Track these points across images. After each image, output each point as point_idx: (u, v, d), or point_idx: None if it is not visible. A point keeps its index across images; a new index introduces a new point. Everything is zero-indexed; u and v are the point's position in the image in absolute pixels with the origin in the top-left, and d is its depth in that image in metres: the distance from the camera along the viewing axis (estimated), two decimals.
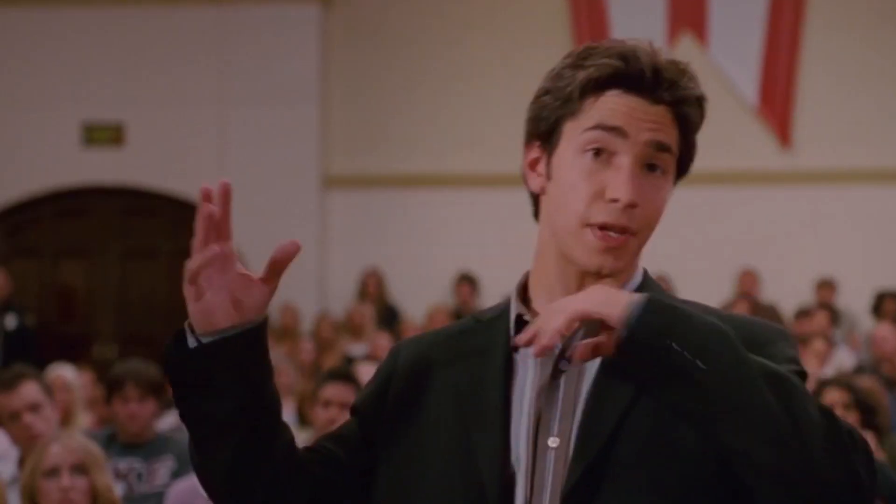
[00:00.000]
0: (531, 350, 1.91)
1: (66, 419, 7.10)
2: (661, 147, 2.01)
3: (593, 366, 2.00)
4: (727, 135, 13.08)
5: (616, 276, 2.03)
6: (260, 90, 13.25)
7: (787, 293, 12.65)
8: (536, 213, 2.14)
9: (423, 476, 2.03)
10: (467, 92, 13.32)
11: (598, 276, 2.02)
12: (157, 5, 13.37)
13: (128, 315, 13.49)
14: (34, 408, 5.56)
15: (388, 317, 12.75)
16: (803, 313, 11.39)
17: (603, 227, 2.00)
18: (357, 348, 11.53)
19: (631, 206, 1.98)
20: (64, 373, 7.91)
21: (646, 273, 2.12)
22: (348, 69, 13.51)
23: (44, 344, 12.64)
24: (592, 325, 1.95)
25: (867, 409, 5.63)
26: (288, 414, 7.68)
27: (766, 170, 13.12)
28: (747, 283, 12.75)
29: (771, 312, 11.75)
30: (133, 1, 13.41)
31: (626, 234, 2.00)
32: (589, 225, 2.00)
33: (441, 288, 13.08)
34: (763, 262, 12.96)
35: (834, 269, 12.90)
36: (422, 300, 12.78)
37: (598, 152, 2.01)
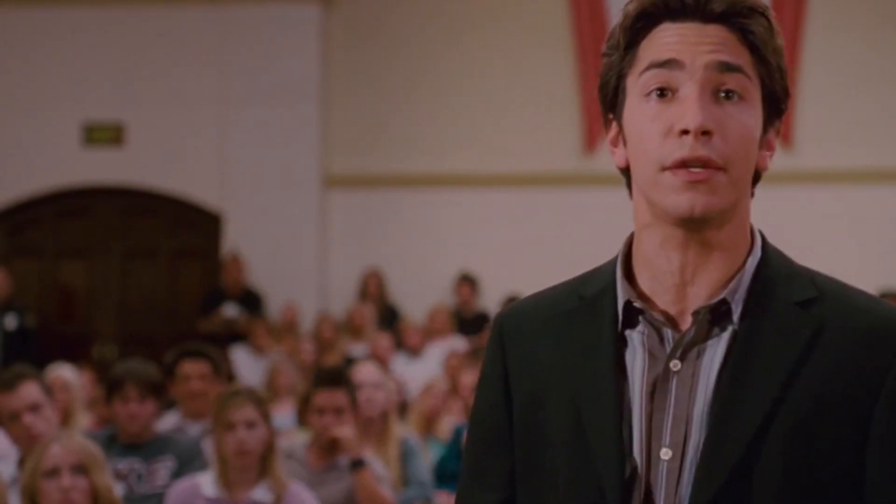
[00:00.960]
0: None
1: (66, 419, 7.09)
2: (728, 67, 1.83)
3: (709, 368, 1.83)
4: None
5: (711, 218, 1.82)
6: (260, 90, 13.25)
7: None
8: (630, 192, 1.92)
9: (548, 484, 1.89)
10: (468, 92, 13.31)
11: (695, 225, 1.82)
12: (158, 5, 13.36)
13: (128, 315, 13.48)
14: (34, 408, 5.56)
15: (389, 317, 12.75)
16: None
17: (681, 165, 1.80)
18: (357, 349, 11.52)
19: (705, 133, 1.80)
20: (64, 373, 7.91)
21: (765, 243, 1.92)
22: (349, 69, 13.50)
23: (44, 344, 12.64)
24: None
25: None
26: (288, 415, 7.69)
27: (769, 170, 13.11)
28: None
29: None
30: (133, 1, 13.40)
31: (709, 167, 1.80)
32: (666, 168, 1.81)
33: (441, 288, 13.07)
34: None
35: (836, 268, 12.88)
36: (422, 300, 12.78)
37: (661, 93, 1.83)
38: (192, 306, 13.14)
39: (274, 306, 12.98)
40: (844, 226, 13.04)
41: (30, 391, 5.59)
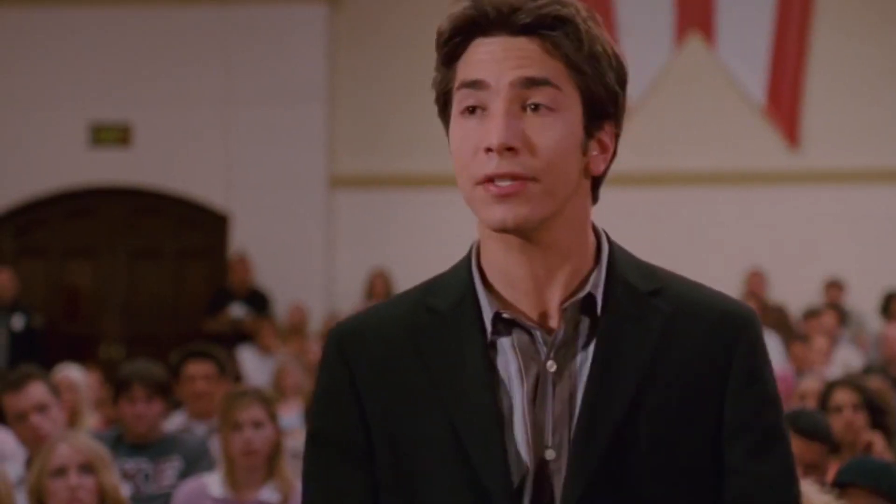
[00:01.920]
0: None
1: (72, 419, 7.09)
2: (532, 82, 1.85)
3: (584, 365, 1.88)
4: (735, 134, 13.07)
5: (527, 228, 1.85)
6: (266, 90, 13.25)
7: (795, 293, 12.63)
8: None
9: (425, 495, 1.89)
10: None
11: (519, 234, 1.86)
12: (164, 6, 13.37)
13: (134, 315, 13.49)
14: (41, 408, 5.56)
15: None
16: (811, 313, 11.37)
17: (490, 180, 1.85)
18: None
19: (508, 149, 1.83)
20: (70, 373, 7.91)
21: (610, 241, 1.96)
22: (354, 69, 13.50)
23: (51, 344, 12.65)
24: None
25: (876, 410, 5.62)
26: (295, 415, 7.69)
27: (773, 169, 13.10)
28: (755, 284, 12.73)
29: (778, 313, 11.73)
30: (140, 1, 13.41)
31: (517, 180, 1.83)
32: (478, 183, 1.86)
33: None
34: (771, 263, 12.95)
35: (842, 269, 12.88)
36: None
37: (472, 110, 1.88)
38: (198, 306, 13.14)
39: (280, 306, 12.98)
40: (853, 226, 13.02)
41: (37, 391, 5.59)
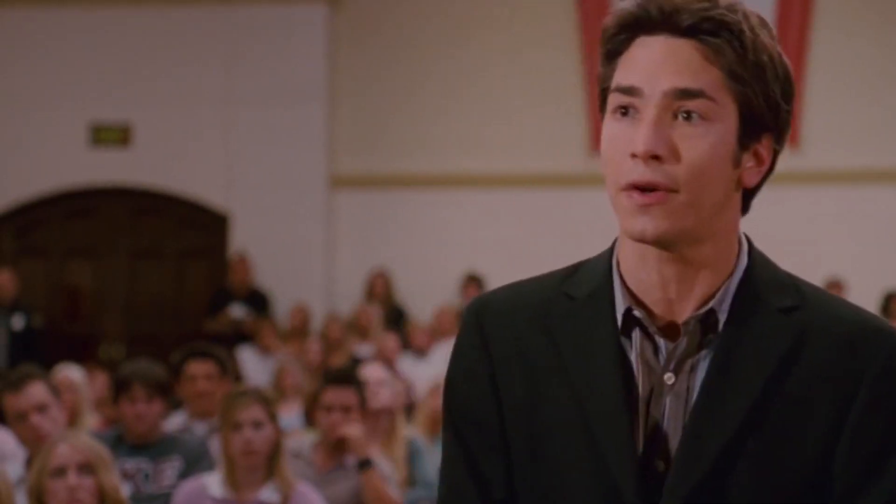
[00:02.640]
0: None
1: (73, 419, 7.09)
2: (686, 94, 1.81)
3: (700, 380, 1.84)
4: None
5: (666, 241, 1.82)
6: (266, 90, 13.25)
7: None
8: None
9: (556, 480, 1.87)
10: (474, 92, 13.31)
11: (658, 246, 1.83)
12: (164, 6, 13.37)
13: (135, 315, 13.49)
14: (41, 408, 5.56)
15: (395, 317, 12.75)
16: None
17: (633, 187, 1.81)
18: (364, 349, 11.53)
19: (653, 157, 1.79)
20: (71, 373, 7.91)
21: (752, 251, 1.91)
22: (355, 69, 13.50)
23: (51, 344, 12.65)
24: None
25: None
26: (295, 415, 7.69)
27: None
28: None
29: None
30: (140, 1, 13.41)
31: (658, 190, 1.80)
32: (622, 188, 1.82)
33: (448, 288, 13.07)
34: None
35: (842, 269, 12.88)
36: (429, 300, 12.78)
37: (624, 111, 1.83)
38: (198, 306, 13.15)
39: (280, 306, 12.98)
40: (852, 226, 13.02)
41: (37, 391, 5.59)
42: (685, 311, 1.86)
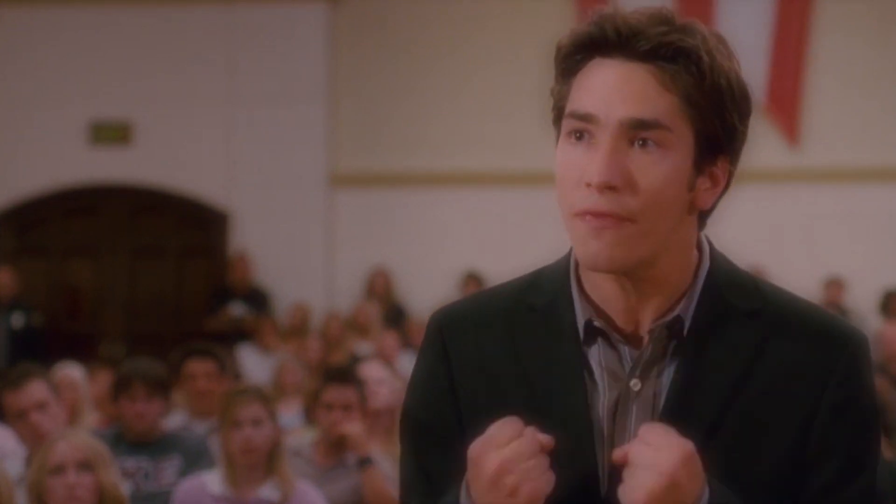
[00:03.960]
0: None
1: (72, 418, 7.09)
2: (641, 124, 1.79)
3: (667, 389, 1.85)
4: None
5: (619, 270, 1.82)
6: (267, 89, 13.25)
7: (794, 292, 12.61)
8: None
9: None
10: (474, 90, 13.30)
11: (610, 273, 1.83)
12: (166, 5, 13.37)
13: (135, 314, 13.49)
14: (41, 406, 5.56)
15: (395, 315, 12.75)
16: None
17: (585, 214, 1.81)
18: (363, 347, 11.52)
19: (608, 187, 1.78)
20: (71, 371, 7.91)
21: (713, 254, 1.92)
22: (355, 68, 13.50)
23: (51, 342, 12.65)
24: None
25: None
26: (295, 414, 7.69)
27: (773, 168, 13.10)
28: None
29: None
30: (141, 0, 13.41)
31: (614, 220, 1.79)
32: (575, 214, 1.81)
33: (448, 286, 13.07)
34: (771, 261, 12.94)
35: (842, 267, 12.88)
36: (429, 299, 12.77)
37: (579, 136, 1.82)
38: (198, 305, 13.15)
39: (280, 305, 12.98)
40: (852, 224, 13.02)
41: (37, 389, 5.59)
42: (647, 319, 1.87)
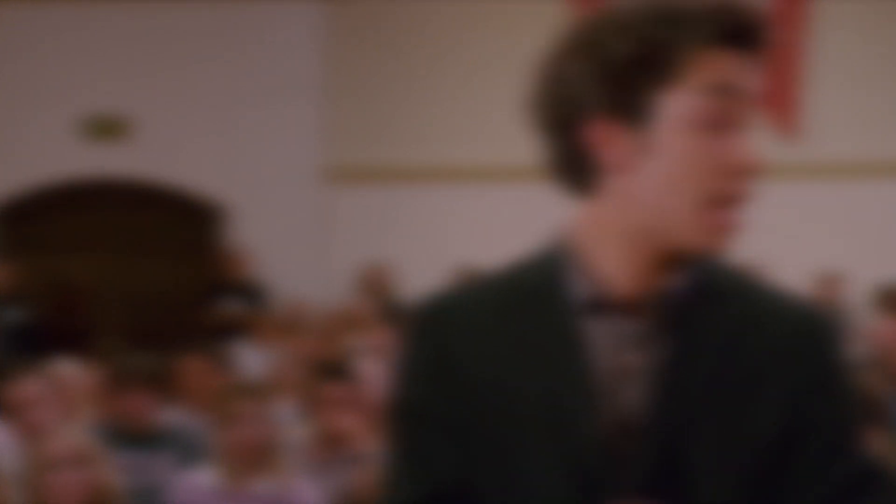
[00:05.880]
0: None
1: (68, 413, 7.09)
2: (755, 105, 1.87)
3: (660, 360, 1.88)
4: None
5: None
6: (262, 84, 13.25)
7: (789, 286, 12.63)
8: (587, 189, 1.91)
9: (522, 466, 1.88)
10: (472, 85, 13.30)
11: (689, 255, 1.87)
12: (161, 0, 13.37)
13: (130, 309, 13.49)
14: (36, 402, 5.56)
15: (391, 311, 12.75)
16: None
17: (726, 202, 1.82)
18: (359, 343, 11.52)
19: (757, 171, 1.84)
20: (66, 367, 7.91)
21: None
22: (350, 64, 13.49)
23: (46, 338, 12.64)
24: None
25: (871, 404, 5.63)
26: (289, 408, 7.69)
27: (769, 161, 13.09)
28: None
29: None
30: None
31: (742, 205, 1.85)
32: (711, 202, 1.82)
33: (444, 282, 13.08)
34: (764, 255, 12.95)
35: (837, 262, 12.89)
36: (425, 294, 12.77)
37: (713, 120, 1.81)
38: (194, 300, 13.14)
39: (276, 300, 12.99)
40: (847, 219, 13.03)
41: (32, 385, 5.60)
42: (646, 293, 1.89)
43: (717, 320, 1.90)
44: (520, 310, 1.92)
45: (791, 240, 13.07)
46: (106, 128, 13.47)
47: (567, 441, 1.86)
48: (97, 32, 13.35)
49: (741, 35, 1.82)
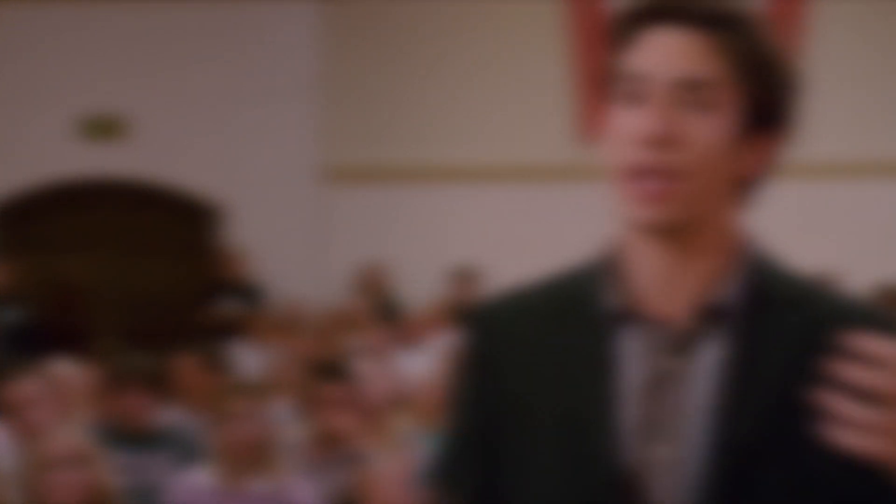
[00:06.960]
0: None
1: (65, 413, 7.09)
2: (693, 85, 1.84)
3: (707, 366, 1.86)
4: None
5: (668, 229, 1.86)
6: (260, 84, 13.25)
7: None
8: None
9: (549, 473, 1.89)
10: (470, 85, 13.30)
11: (660, 234, 1.87)
12: (160, 0, 13.37)
13: (128, 309, 13.48)
14: (34, 402, 5.56)
15: (389, 311, 12.74)
16: None
17: (638, 172, 1.84)
18: (356, 342, 11.52)
19: (661, 138, 1.83)
20: (63, 367, 7.90)
21: (757, 252, 1.93)
22: (347, 63, 13.48)
23: (44, 338, 12.64)
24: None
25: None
26: (286, 408, 7.69)
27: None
28: None
29: None
30: None
31: (664, 177, 1.83)
32: (627, 172, 1.85)
33: (441, 282, 13.07)
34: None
35: (834, 262, 12.89)
36: (422, 294, 12.77)
37: (632, 98, 1.86)
38: (191, 300, 13.14)
39: (274, 300, 12.98)
40: (845, 219, 13.04)
41: (29, 385, 5.60)
42: (687, 298, 1.88)
43: (778, 327, 1.87)
44: (556, 320, 1.95)
45: (790, 240, 13.06)
46: (104, 128, 13.47)
47: (582, 458, 1.86)
48: (96, 32, 13.35)
49: (666, 15, 1.87)
